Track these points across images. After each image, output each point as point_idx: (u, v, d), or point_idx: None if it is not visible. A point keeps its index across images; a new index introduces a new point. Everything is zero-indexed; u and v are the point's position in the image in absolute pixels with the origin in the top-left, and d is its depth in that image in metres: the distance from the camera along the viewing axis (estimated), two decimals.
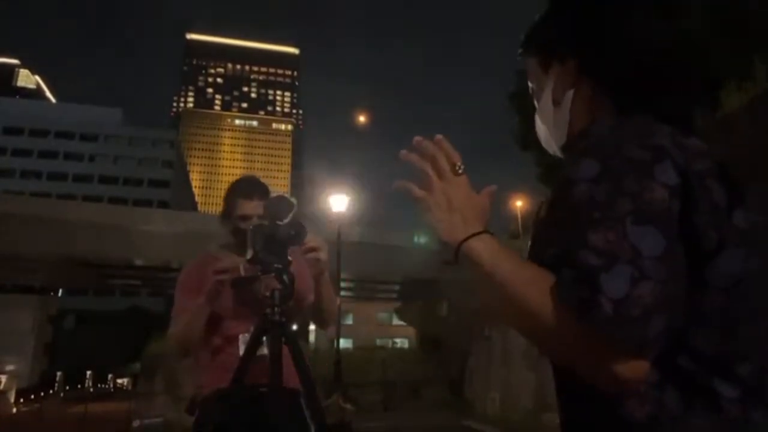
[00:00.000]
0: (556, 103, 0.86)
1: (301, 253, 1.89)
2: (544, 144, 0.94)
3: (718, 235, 0.64)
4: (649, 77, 0.78)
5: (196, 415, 1.85)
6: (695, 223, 0.63)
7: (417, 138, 0.82)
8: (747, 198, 0.68)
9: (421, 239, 28.19)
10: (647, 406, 0.62)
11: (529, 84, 0.93)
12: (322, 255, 1.90)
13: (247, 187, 2.08)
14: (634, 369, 0.60)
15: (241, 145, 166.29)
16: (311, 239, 1.87)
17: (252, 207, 1.99)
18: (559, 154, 0.90)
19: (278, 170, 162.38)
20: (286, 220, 1.82)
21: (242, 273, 1.82)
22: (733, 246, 0.65)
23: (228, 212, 2.06)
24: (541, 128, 0.92)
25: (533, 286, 0.65)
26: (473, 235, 0.75)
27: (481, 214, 0.79)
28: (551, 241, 0.67)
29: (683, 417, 0.61)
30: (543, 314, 0.63)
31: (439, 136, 0.82)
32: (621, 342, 0.59)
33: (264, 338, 1.75)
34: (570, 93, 0.84)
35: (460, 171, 0.80)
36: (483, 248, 0.73)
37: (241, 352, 1.83)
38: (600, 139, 0.72)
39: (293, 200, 1.89)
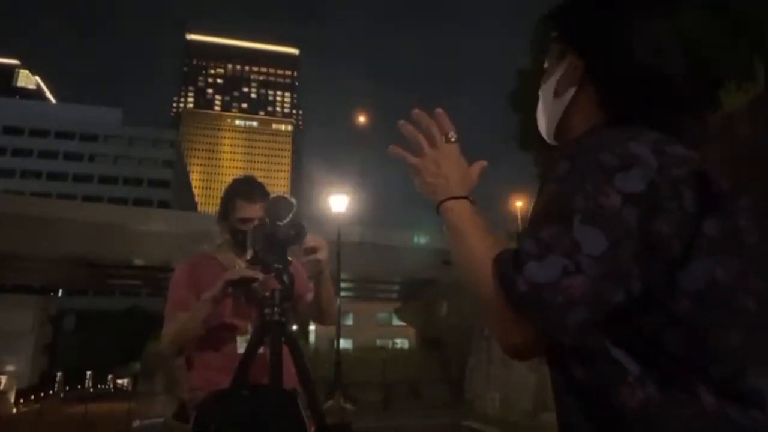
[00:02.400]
0: (557, 94, 0.88)
1: (301, 254, 1.88)
2: (538, 123, 0.96)
3: (685, 244, 0.66)
4: (649, 85, 0.79)
5: (195, 416, 1.83)
6: (660, 231, 0.65)
7: (415, 110, 0.92)
8: (725, 205, 0.69)
9: (421, 239, 28.20)
10: (638, 395, 0.65)
11: (545, 62, 0.94)
12: (321, 255, 1.88)
13: (248, 188, 2.05)
14: (534, 345, 0.68)
15: (241, 146, 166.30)
16: (311, 239, 1.86)
17: (253, 210, 1.97)
18: (546, 138, 0.94)
19: (278, 170, 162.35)
20: (286, 220, 1.82)
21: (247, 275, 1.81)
22: (703, 255, 0.67)
23: (226, 213, 2.04)
24: (539, 108, 0.94)
25: (484, 251, 0.75)
26: (454, 197, 0.85)
27: (467, 181, 0.90)
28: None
29: (668, 408, 0.64)
30: (482, 276, 0.72)
31: (438, 110, 0.92)
32: (534, 321, 0.65)
33: (264, 338, 1.74)
34: (572, 90, 0.86)
35: (452, 140, 0.91)
36: (457, 209, 0.85)
37: (239, 352, 1.83)
38: (582, 144, 0.75)
39: (293, 200, 1.89)
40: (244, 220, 1.97)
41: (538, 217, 0.70)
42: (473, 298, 0.75)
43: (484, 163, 0.95)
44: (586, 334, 0.67)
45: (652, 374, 0.65)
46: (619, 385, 0.66)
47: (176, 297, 1.94)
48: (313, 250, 1.87)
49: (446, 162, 0.88)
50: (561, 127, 0.89)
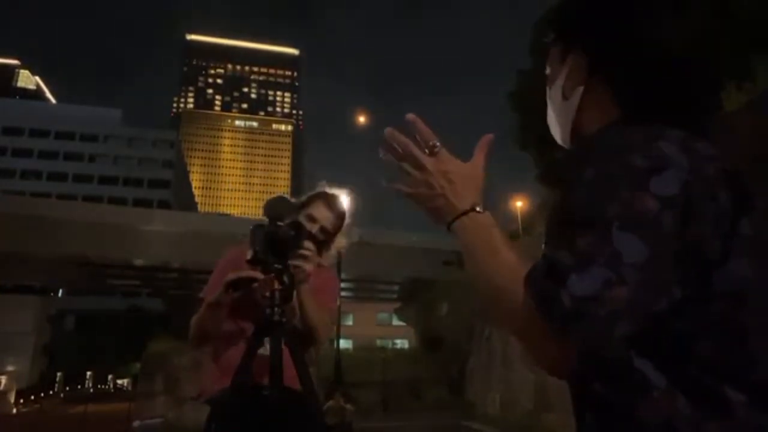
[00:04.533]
0: (565, 96, 0.86)
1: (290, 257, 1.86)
2: (551, 131, 0.94)
3: (723, 244, 0.64)
4: (661, 81, 0.77)
5: (208, 413, 1.85)
6: (697, 233, 0.63)
7: (387, 130, 0.83)
8: (757, 204, 0.68)
9: (421, 239, 28.22)
10: (662, 411, 0.62)
11: (547, 67, 0.92)
12: (307, 266, 1.86)
13: (332, 197, 2.15)
14: (568, 361, 0.65)
15: (241, 146, 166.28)
16: (306, 247, 1.86)
17: (323, 214, 2.06)
18: (562, 144, 0.91)
19: (278, 170, 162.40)
20: (286, 221, 1.83)
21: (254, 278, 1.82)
22: (739, 254, 0.64)
23: (300, 205, 2.11)
24: (550, 115, 0.92)
25: (508, 268, 0.70)
26: (459, 216, 0.78)
27: (469, 185, 0.80)
28: (549, 241, 0.70)
29: (696, 422, 0.61)
30: (509, 294, 0.67)
31: (410, 116, 0.82)
32: (577, 337, 0.61)
33: (265, 338, 1.75)
34: (580, 90, 0.84)
35: (436, 150, 0.81)
36: (467, 227, 0.78)
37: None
38: (606, 143, 0.72)
39: (294, 201, 1.90)
40: (312, 218, 2.05)
41: (568, 226, 0.65)
42: (497, 318, 0.72)
43: (489, 137, 0.86)
44: (629, 347, 0.64)
45: (680, 385, 0.62)
46: (642, 399, 0.63)
47: (211, 287, 1.98)
48: (303, 257, 1.87)
49: (439, 178, 0.80)
50: (575, 131, 0.86)
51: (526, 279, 0.65)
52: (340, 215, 2.13)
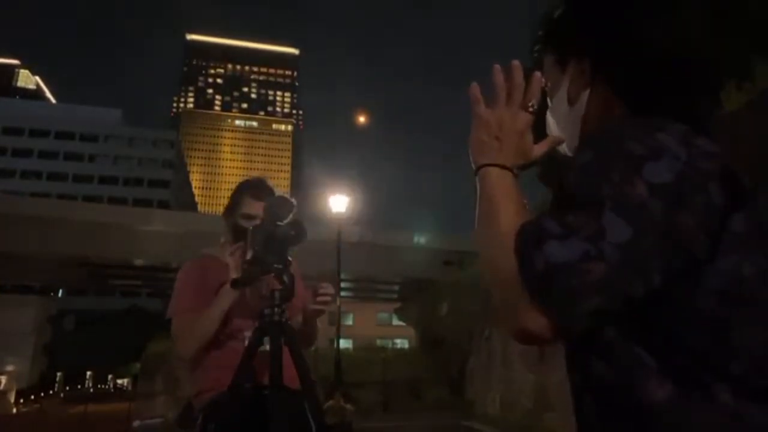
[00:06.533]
0: (571, 102, 0.86)
1: (311, 298, 1.94)
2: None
3: (712, 239, 0.65)
4: (665, 78, 0.78)
5: (200, 420, 1.83)
6: (685, 224, 0.64)
7: (515, 62, 0.85)
8: (753, 202, 0.68)
9: (421, 239, 28.20)
10: (658, 394, 0.63)
11: (544, 81, 0.91)
12: (328, 307, 1.97)
13: (257, 187, 2.06)
14: (544, 329, 0.64)
15: (241, 146, 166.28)
16: (324, 289, 1.93)
17: (258, 207, 1.97)
18: (569, 154, 0.90)
19: (278, 170, 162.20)
20: (286, 221, 1.83)
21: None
22: (729, 252, 0.65)
23: (232, 208, 2.05)
24: (552, 127, 0.92)
25: (513, 225, 0.69)
26: (496, 165, 0.79)
27: (521, 155, 0.82)
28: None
29: (683, 408, 0.63)
30: (504, 250, 0.68)
31: (537, 73, 0.85)
32: (544, 303, 0.63)
33: (264, 338, 1.75)
34: (585, 93, 0.84)
35: (530, 109, 0.83)
36: (495, 177, 0.78)
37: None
38: (606, 132, 0.73)
39: (293, 200, 1.90)
40: (248, 216, 1.97)
41: (561, 204, 0.68)
42: (488, 275, 0.72)
43: (559, 138, 0.88)
44: (596, 325, 0.66)
45: (669, 372, 0.64)
46: (640, 384, 0.64)
47: (186, 299, 1.95)
48: (325, 303, 1.95)
49: (510, 128, 0.82)
50: (583, 135, 0.86)
51: (517, 234, 0.67)
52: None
